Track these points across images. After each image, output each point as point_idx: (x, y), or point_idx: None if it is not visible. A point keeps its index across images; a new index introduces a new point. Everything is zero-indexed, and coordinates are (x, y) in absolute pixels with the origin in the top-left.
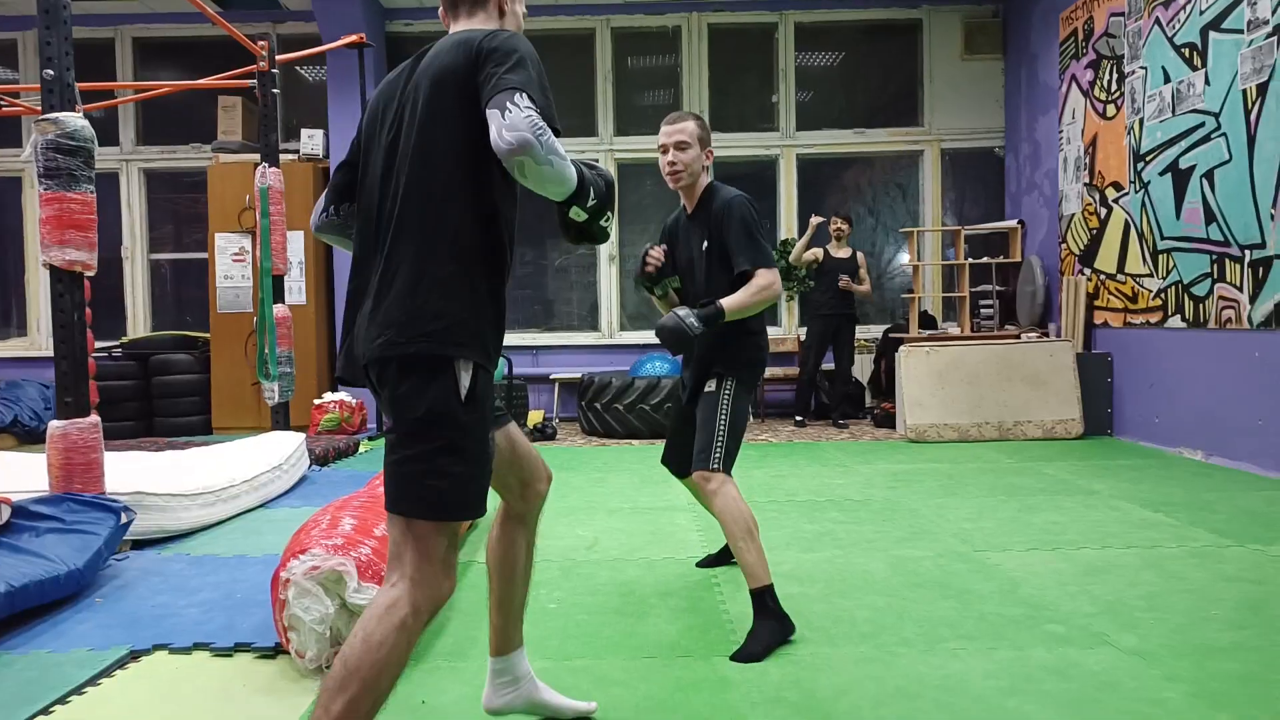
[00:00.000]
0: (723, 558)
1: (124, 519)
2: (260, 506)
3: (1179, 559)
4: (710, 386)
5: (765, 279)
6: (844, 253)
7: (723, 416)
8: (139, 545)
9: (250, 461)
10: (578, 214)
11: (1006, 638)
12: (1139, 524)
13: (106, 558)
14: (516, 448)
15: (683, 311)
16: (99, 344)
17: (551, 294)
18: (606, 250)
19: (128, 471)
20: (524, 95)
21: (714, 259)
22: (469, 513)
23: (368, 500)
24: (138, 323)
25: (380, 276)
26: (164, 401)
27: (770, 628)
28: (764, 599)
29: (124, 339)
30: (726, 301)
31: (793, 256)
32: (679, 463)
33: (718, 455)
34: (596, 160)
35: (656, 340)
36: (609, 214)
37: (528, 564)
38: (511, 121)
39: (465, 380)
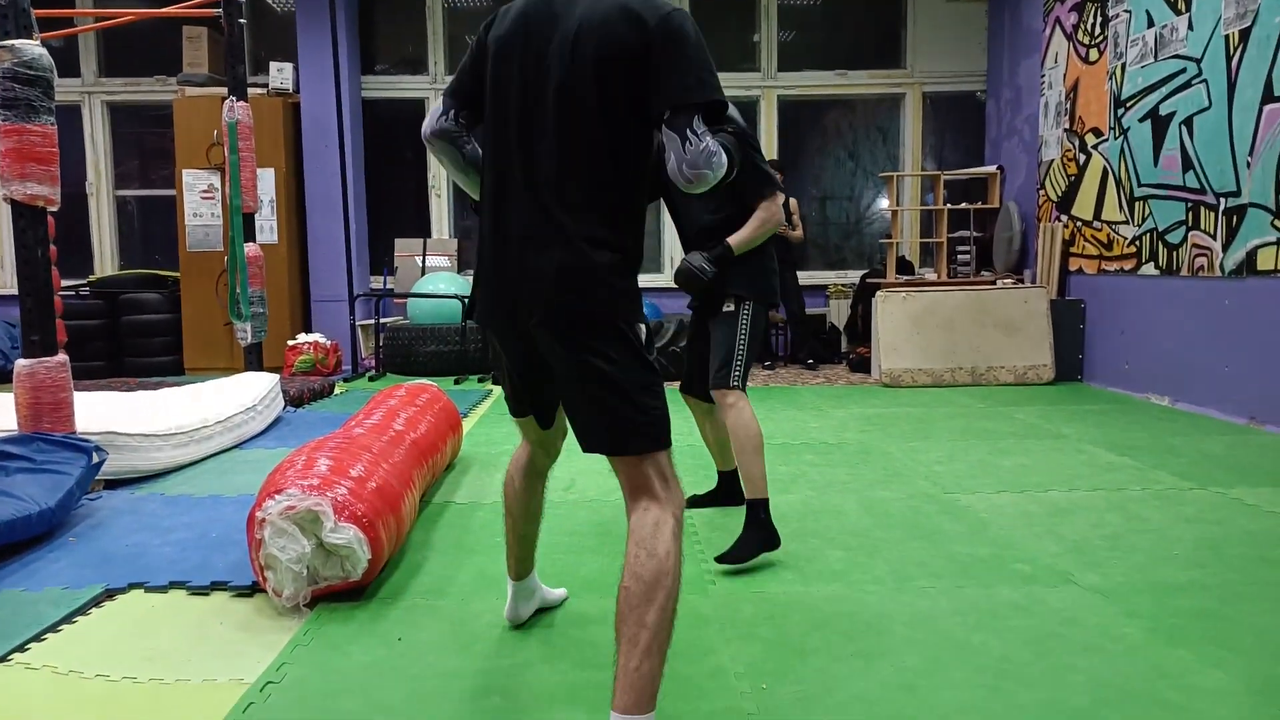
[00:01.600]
0: (709, 500)
1: (95, 459)
2: (235, 447)
3: (1142, 501)
4: (729, 307)
5: (765, 211)
6: None
7: (742, 337)
8: (112, 485)
9: (224, 402)
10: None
11: (974, 576)
12: (1105, 467)
13: (79, 497)
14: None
15: (695, 258)
16: (65, 282)
17: None
18: None
19: (99, 411)
20: (700, 117)
21: (711, 198)
22: (670, 436)
23: (343, 441)
24: (105, 261)
25: (546, 233)
26: (134, 341)
27: (760, 537)
28: (758, 510)
29: (91, 277)
30: (734, 239)
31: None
32: (697, 384)
33: (736, 374)
34: None
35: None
36: None
37: (541, 504)
38: (691, 158)
39: (642, 334)
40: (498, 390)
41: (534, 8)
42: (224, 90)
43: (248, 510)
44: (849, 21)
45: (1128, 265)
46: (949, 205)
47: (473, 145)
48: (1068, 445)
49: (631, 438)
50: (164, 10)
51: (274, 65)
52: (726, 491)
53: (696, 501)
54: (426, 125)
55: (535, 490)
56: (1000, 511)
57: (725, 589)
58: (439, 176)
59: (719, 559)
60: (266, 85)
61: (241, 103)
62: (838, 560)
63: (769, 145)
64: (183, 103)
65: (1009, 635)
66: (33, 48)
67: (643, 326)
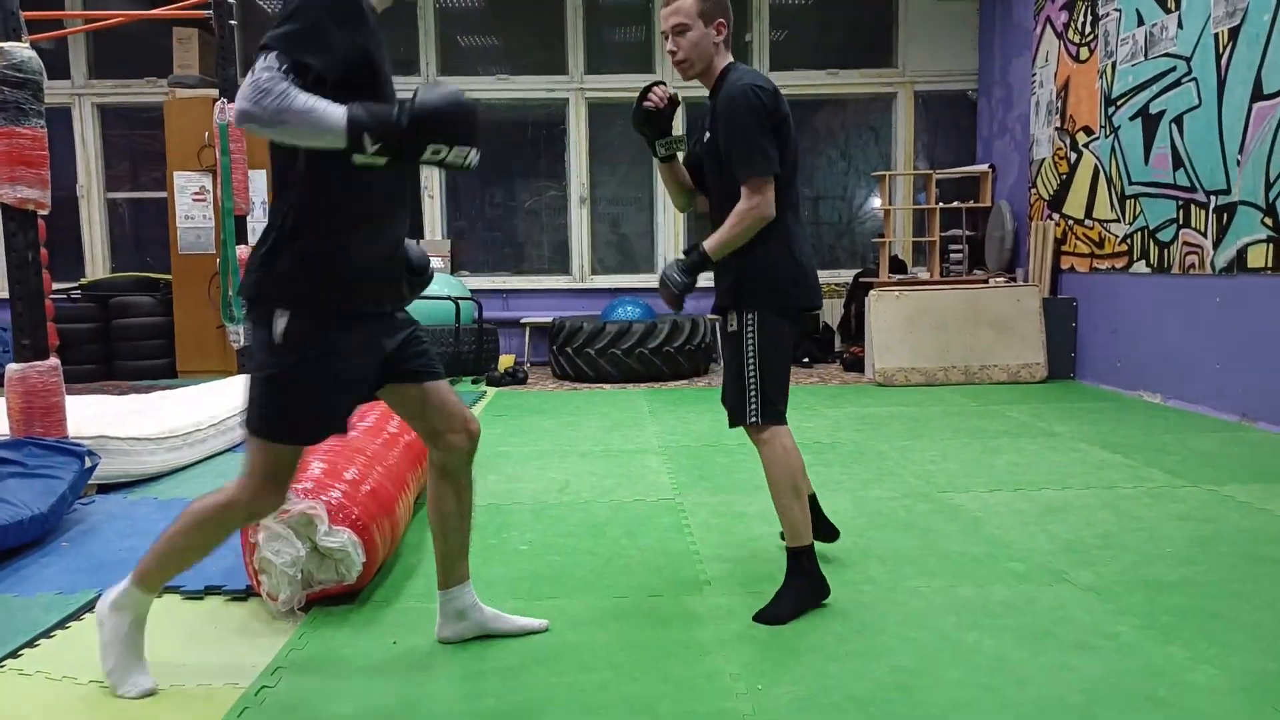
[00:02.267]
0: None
1: (88, 463)
2: (227, 450)
3: (1135, 499)
4: (732, 325)
5: (749, 201)
6: None
7: (750, 360)
8: (104, 489)
9: (217, 405)
10: (361, 160)
11: (968, 575)
12: (1098, 465)
13: (71, 502)
14: (428, 400)
15: (671, 267)
16: (57, 285)
17: (521, 237)
18: (577, 192)
19: (91, 415)
20: (265, 54)
21: (715, 157)
22: (272, 436)
23: (337, 444)
24: (96, 264)
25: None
26: (126, 344)
27: (801, 590)
28: (800, 559)
29: (83, 281)
30: (709, 243)
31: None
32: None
33: (754, 408)
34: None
35: (627, 285)
36: (441, 149)
37: (459, 510)
38: (240, 91)
39: (280, 326)
40: (492, 391)
41: None
42: (215, 92)
43: None
44: (840, 20)
45: (1119, 263)
46: (941, 204)
47: None
48: (1060, 443)
49: (244, 413)
50: (154, 12)
51: None
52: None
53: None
54: None
55: (436, 487)
56: (993, 510)
57: (719, 590)
58: (431, 178)
59: (756, 618)
60: None
61: (232, 104)
62: (832, 560)
63: None
64: (173, 104)
65: (1003, 634)
66: (22, 50)
67: (283, 313)
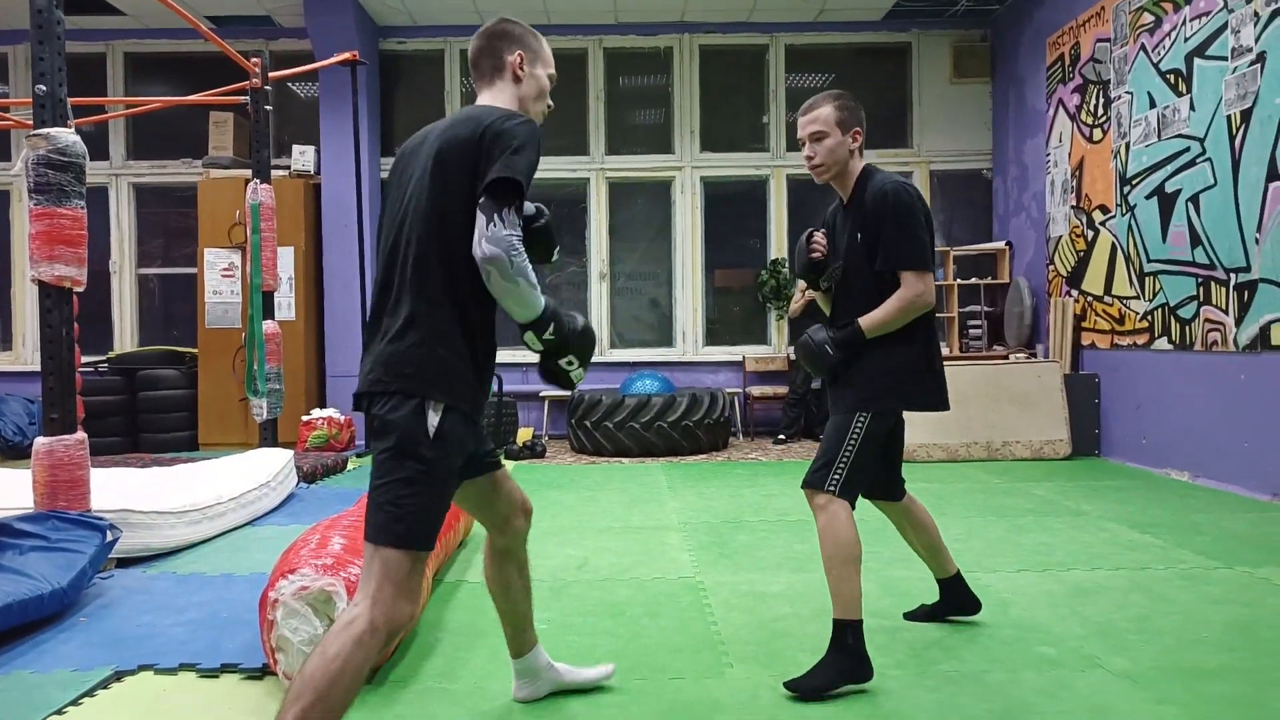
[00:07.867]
0: (935, 613)
1: (109, 537)
2: (247, 524)
3: (1167, 581)
4: (849, 400)
5: (913, 288)
6: None
7: (850, 443)
8: (124, 563)
9: (237, 478)
10: (531, 340)
11: (998, 660)
12: (1127, 545)
13: (91, 576)
14: (499, 488)
15: (820, 335)
16: (85, 358)
17: None
18: (596, 268)
19: (113, 488)
20: (513, 211)
21: (863, 256)
22: (420, 545)
23: (357, 519)
24: (124, 337)
25: (387, 321)
26: (150, 417)
27: (841, 666)
28: (844, 632)
29: (110, 354)
30: (865, 320)
31: (791, 312)
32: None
33: (836, 478)
34: (586, 179)
35: (646, 358)
36: (574, 361)
37: (523, 583)
38: (494, 234)
39: (434, 419)
40: (511, 465)
41: (415, 137)
42: (248, 172)
43: (259, 589)
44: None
45: (1141, 340)
46: (959, 280)
47: None
48: (1088, 522)
49: (371, 522)
50: (193, 98)
51: (296, 148)
52: (950, 602)
53: (922, 615)
54: None
55: (502, 569)
56: (1022, 591)
57: (741, 674)
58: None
59: (788, 684)
60: (289, 167)
61: (265, 185)
62: None
63: (779, 223)
64: (207, 184)
65: None
66: (67, 135)
67: (440, 411)
